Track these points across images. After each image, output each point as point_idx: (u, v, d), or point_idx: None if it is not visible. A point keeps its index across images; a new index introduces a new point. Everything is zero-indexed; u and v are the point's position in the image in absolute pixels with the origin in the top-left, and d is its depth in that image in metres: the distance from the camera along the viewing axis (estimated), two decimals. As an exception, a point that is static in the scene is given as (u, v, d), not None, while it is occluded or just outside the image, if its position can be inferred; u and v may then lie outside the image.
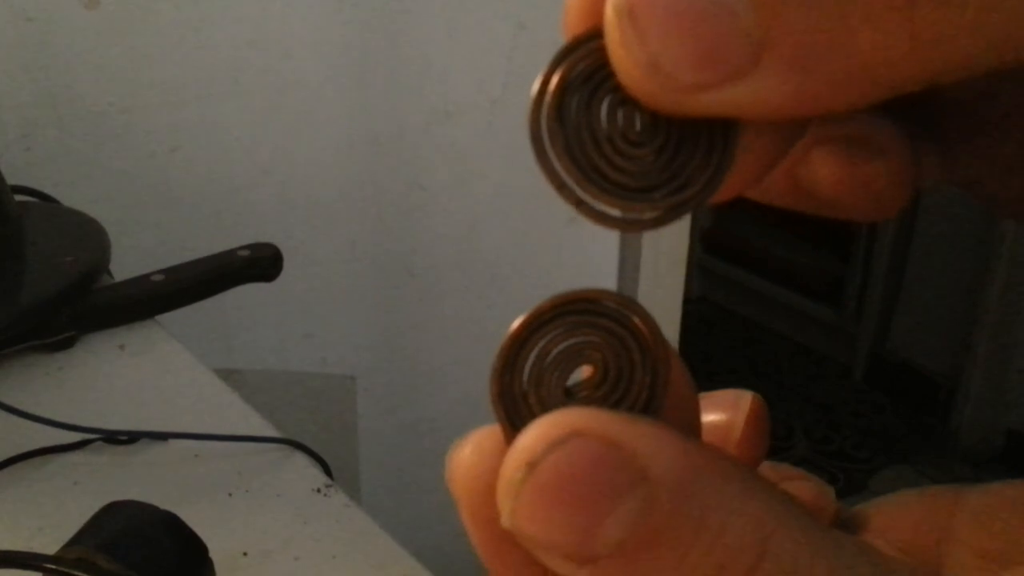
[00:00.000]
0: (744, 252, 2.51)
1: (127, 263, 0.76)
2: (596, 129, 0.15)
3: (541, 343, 0.16)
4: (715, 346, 2.41)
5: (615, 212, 0.15)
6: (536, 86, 0.15)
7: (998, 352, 1.99)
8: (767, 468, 0.21)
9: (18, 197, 0.77)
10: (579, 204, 0.15)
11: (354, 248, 1.13)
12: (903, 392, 2.21)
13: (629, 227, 0.15)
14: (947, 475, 1.98)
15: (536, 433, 0.14)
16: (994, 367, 2.00)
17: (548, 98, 0.15)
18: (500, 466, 0.15)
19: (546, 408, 0.16)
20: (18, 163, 0.89)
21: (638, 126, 0.15)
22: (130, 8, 0.93)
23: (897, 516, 0.20)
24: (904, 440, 2.12)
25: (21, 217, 0.75)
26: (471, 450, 0.16)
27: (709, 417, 0.20)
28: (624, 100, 0.15)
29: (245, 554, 0.51)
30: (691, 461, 0.14)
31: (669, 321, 1.20)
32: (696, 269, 2.54)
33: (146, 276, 0.72)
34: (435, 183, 1.13)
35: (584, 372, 0.16)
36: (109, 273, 0.75)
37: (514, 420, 0.16)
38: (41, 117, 0.91)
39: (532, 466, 0.14)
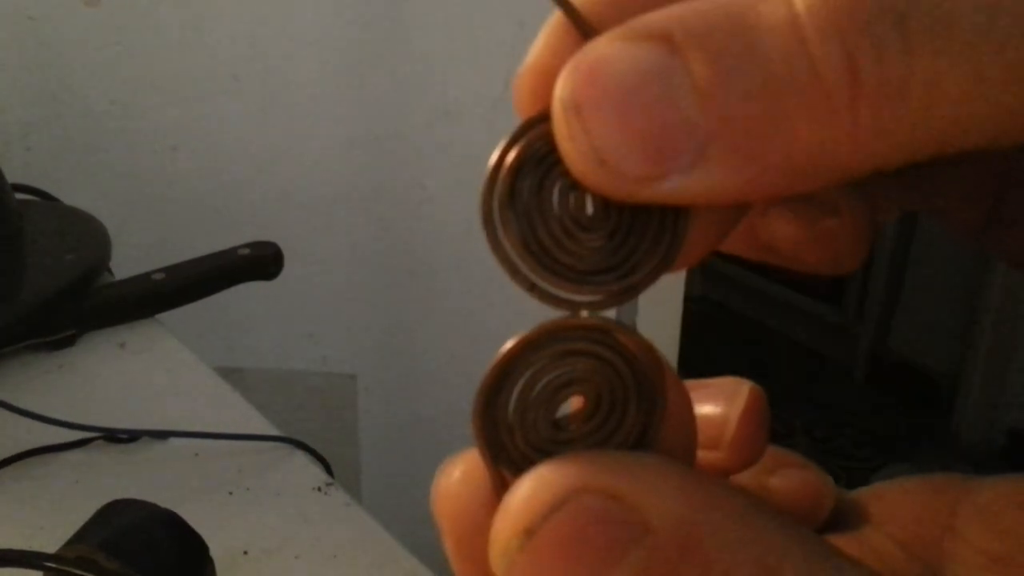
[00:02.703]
0: (745, 251, 2.51)
1: (128, 261, 0.76)
2: (547, 213, 0.15)
3: (527, 374, 0.15)
4: (716, 346, 2.41)
5: (567, 295, 0.15)
6: (488, 168, 0.15)
7: (999, 351, 1.99)
8: (768, 452, 0.20)
9: (18, 196, 0.77)
10: (532, 288, 0.15)
11: (355, 247, 1.13)
12: (904, 391, 2.21)
13: (581, 309, 0.15)
14: (948, 474, 1.98)
15: (530, 494, 0.14)
16: (995, 366, 2.00)
17: (500, 182, 0.15)
18: (489, 502, 0.15)
19: (533, 445, 0.15)
20: (18, 162, 0.89)
21: (589, 210, 0.15)
22: (131, 7, 0.93)
23: (898, 506, 0.20)
24: (905, 439, 2.12)
25: (21, 216, 0.75)
26: (459, 480, 0.16)
27: (704, 409, 0.20)
28: (574, 184, 0.15)
29: (246, 552, 0.51)
30: (692, 504, 0.14)
31: (670, 321, 1.20)
32: (697, 268, 2.54)
33: (147, 274, 0.72)
34: (436, 182, 1.13)
35: (574, 403, 0.15)
36: (110, 271, 0.75)
37: (499, 457, 0.15)
38: (41, 116, 0.91)
39: (530, 533, 0.14)
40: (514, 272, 0.15)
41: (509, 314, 1.16)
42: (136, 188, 0.98)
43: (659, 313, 1.16)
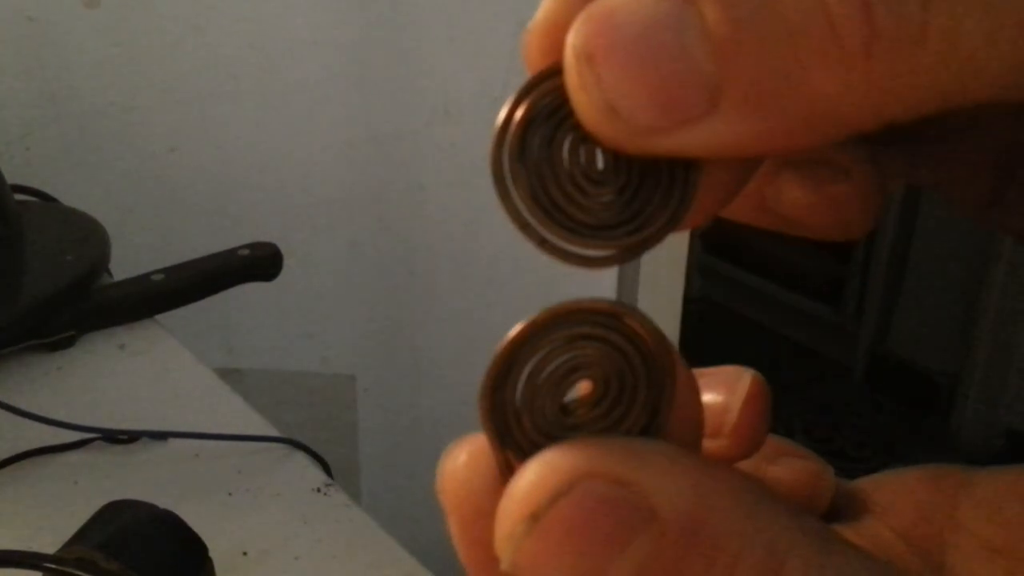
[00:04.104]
0: (745, 252, 2.51)
1: (127, 262, 0.76)
2: (558, 167, 0.15)
3: (535, 358, 0.15)
4: (715, 346, 2.41)
5: (578, 250, 0.15)
6: (498, 123, 0.15)
7: (998, 351, 1.99)
8: (768, 441, 0.20)
9: (18, 196, 0.77)
10: (542, 243, 0.15)
11: (354, 247, 1.13)
12: (903, 392, 2.21)
13: (592, 264, 0.15)
14: (947, 475, 1.98)
15: (536, 479, 0.14)
16: (994, 366, 2.00)
17: (510, 136, 0.15)
18: (495, 487, 0.15)
19: (540, 430, 0.15)
20: (18, 162, 0.89)
21: (599, 164, 0.15)
22: (130, 8, 0.93)
23: (899, 497, 0.20)
24: (904, 439, 2.12)
25: (21, 216, 0.75)
26: (465, 464, 0.15)
27: (706, 397, 0.19)
28: (585, 138, 0.15)
29: (245, 553, 0.51)
30: (700, 490, 0.14)
31: (669, 321, 1.20)
32: (696, 269, 2.54)
33: (146, 275, 0.72)
34: (435, 182, 1.13)
35: (582, 388, 0.15)
36: (109, 272, 0.75)
37: (505, 441, 0.15)
38: (41, 116, 0.91)
39: (535, 518, 0.14)
40: (524, 227, 0.15)
41: (509, 314, 1.16)
42: (135, 189, 0.98)
43: (659, 313, 1.16)
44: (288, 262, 0.76)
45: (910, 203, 2.07)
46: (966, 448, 2.06)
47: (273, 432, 0.61)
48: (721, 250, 2.56)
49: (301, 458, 0.59)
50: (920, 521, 0.19)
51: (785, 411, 2.17)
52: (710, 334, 2.44)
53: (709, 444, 0.19)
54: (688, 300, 1.20)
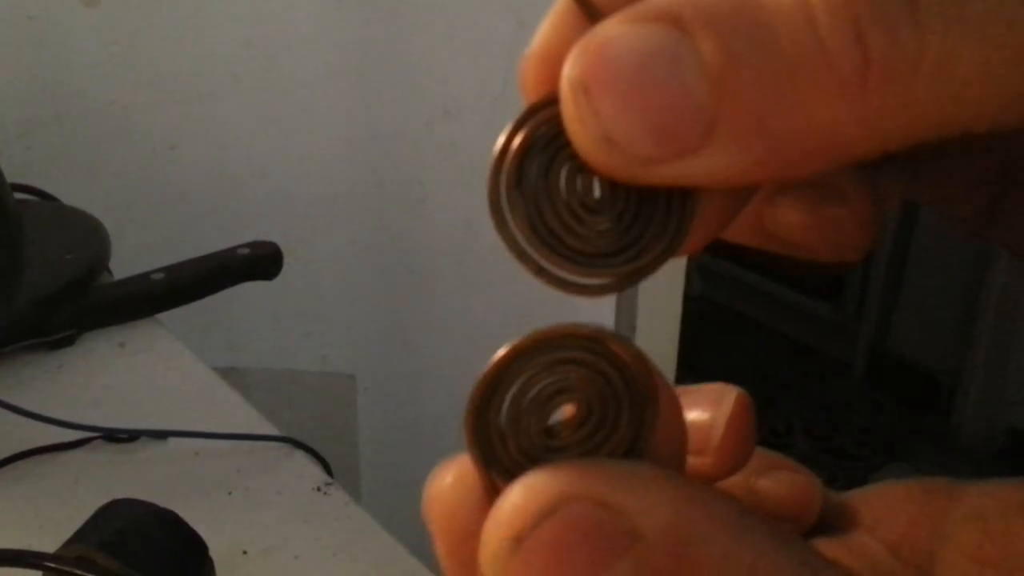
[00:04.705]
0: (745, 250, 2.50)
1: (127, 261, 0.76)
2: (555, 196, 0.15)
3: (519, 381, 0.15)
4: (715, 344, 2.41)
5: (575, 279, 0.15)
6: (495, 151, 0.15)
7: (998, 350, 1.99)
8: (757, 455, 0.20)
9: (18, 195, 0.77)
10: (540, 272, 0.15)
11: (354, 246, 1.13)
12: (903, 390, 2.21)
13: (589, 293, 0.15)
14: (947, 473, 1.96)
15: (520, 501, 0.14)
16: (994, 365, 2.00)
17: (507, 165, 0.15)
18: (480, 508, 0.15)
19: (524, 452, 0.15)
20: (18, 161, 0.89)
21: (596, 193, 0.15)
22: (130, 6, 0.93)
23: (889, 509, 0.20)
24: (904, 438, 2.12)
25: (21, 215, 0.75)
26: (451, 485, 0.16)
27: (691, 415, 0.19)
28: (582, 167, 0.15)
29: (245, 552, 0.51)
30: (683, 512, 0.14)
31: (669, 320, 1.20)
32: (696, 268, 2.54)
33: (146, 274, 0.72)
34: (435, 181, 1.13)
35: (566, 410, 0.15)
36: (109, 271, 0.75)
37: (490, 463, 0.15)
38: (41, 115, 0.91)
39: (519, 540, 0.14)
40: (521, 255, 0.15)
41: (508, 314, 1.16)
42: (135, 188, 0.98)
43: (659, 312, 1.16)
44: (288, 261, 0.76)
45: (911, 202, 2.07)
46: (966, 447, 2.06)
47: (273, 431, 0.61)
48: (721, 248, 2.55)
49: (301, 457, 0.59)
50: (909, 533, 0.19)
51: (785, 409, 2.17)
52: (710, 333, 2.44)
53: (695, 461, 0.19)
54: (688, 299, 1.20)
